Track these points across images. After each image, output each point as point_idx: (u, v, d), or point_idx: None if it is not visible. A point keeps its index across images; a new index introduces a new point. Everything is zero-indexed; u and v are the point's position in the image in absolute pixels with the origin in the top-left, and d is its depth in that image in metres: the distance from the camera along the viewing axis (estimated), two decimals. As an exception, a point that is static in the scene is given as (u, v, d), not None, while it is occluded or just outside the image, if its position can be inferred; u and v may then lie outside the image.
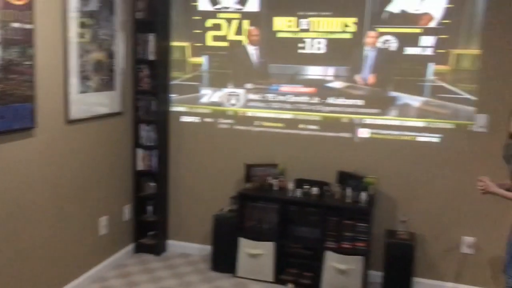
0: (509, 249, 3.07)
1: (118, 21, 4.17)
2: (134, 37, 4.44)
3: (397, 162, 4.16)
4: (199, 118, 4.62)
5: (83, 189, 3.90)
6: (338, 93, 4.16)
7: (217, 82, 4.49)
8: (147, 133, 4.58)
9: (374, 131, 4.15)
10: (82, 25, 3.69)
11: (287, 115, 4.34)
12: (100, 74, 3.98)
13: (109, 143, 4.23)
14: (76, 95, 3.69)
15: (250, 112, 4.44)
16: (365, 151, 4.21)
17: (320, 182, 4.13)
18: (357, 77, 4.10)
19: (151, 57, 4.44)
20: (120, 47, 4.24)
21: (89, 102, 3.86)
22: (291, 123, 4.35)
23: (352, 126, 4.21)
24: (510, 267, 3.02)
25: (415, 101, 3.99)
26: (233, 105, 4.48)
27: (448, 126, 3.97)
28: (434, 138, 4.03)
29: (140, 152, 4.61)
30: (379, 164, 4.17)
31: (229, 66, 4.41)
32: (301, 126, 4.34)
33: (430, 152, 4.07)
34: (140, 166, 4.62)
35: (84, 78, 3.77)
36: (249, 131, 4.48)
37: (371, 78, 4.06)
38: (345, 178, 4.13)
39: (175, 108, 4.67)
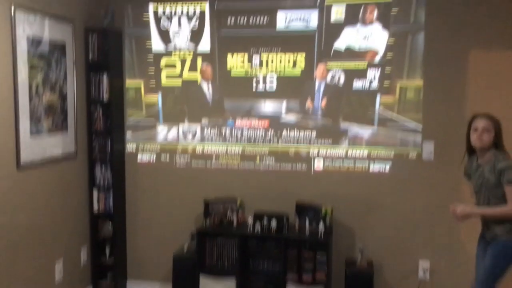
0: (479, 262, 3.13)
1: (70, 62, 4.16)
2: (87, 77, 4.43)
3: (351, 191, 4.27)
4: (155, 156, 4.60)
5: (38, 234, 3.80)
6: (291, 126, 4.28)
7: (172, 119, 4.52)
8: (102, 173, 4.53)
9: (328, 161, 4.27)
10: (33, 67, 3.66)
11: (243, 149, 4.39)
12: (52, 116, 3.94)
13: (64, 185, 4.15)
14: (28, 139, 3.63)
15: (207, 148, 4.47)
16: (321, 181, 4.30)
17: (278, 215, 4.17)
18: (308, 110, 4.23)
19: (105, 97, 4.43)
20: (73, 88, 4.22)
21: (41, 145, 3.80)
22: (248, 157, 4.41)
23: (306, 158, 4.32)
24: (487, 278, 3.03)
25: (365, 131, 4.15)
26: (189, 141, 4.50)
27: (398, 154, 4.12)
28: (385, 167, 4.16)
29: (95, 193, 4.54)
30: (335, 193, 4.27)
31: (184, 103, 4.47)
32: (258, 159, 4.40)
33: (381, 180, 4.20)
34: (96, 207, 4.54)
35: (36, 120, 3.72)
36: (206, 167, 4.51)
37: (321, 111, 4.21)
38: (302, 209, 4.19)
39: (131, 147, 4.65)
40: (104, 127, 4.48)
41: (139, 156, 4.65)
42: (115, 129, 4.52)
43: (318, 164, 4.28)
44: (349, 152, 4.21)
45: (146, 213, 4.70)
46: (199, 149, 4.50)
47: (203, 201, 4.36)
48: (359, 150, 4.19)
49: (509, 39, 3.92)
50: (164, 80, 4.48)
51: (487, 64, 3.97)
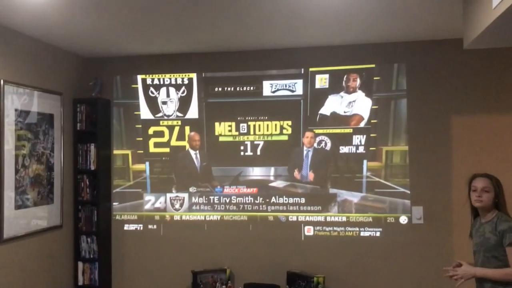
0: None
1: (58, 133, 4.17)
2: (75, 147, 4.42)
3: (343, 257, 4.21)
4: (142, 225, 4.52)
5: (18, 311, 3.63)
6: (280, 192, 4.26)
7: (160, 188, 4.48)
8: (88, 245, 4.42)
9: (319, 228, 4.23)
10: (20, 138, 3.65)
11: (232, 216, 4.34)
12: (38, 188, 3.89)
13: (48, 258, 4.03)
14: (12, 212, 3.56)
15: (194, 216, 4.42)
16: (312, 248, 4.24)
17: (269, 286, 4.07)
18: (297, 176, 4.24)
19: (92, 166, 4.41)
20: (60, 158, 4.20)
21: (26, 217, 3.72)
22: (237, 225, 4.35)
23: (296, 225, 4.27)
24: None
25: (354, 197, 4.15)
26: (177, 210, 4.45)
27: (388, 220, 4.11)
28: (376, 232, 4.14)
29: (81, 265, 4.41)
30: (326, 261, 4.20)
31: (172, 171, 4.45)
32: (247, 227, 4.34)
33: (373, 246, 4.16)
34: (81, 280, 4.40)
35: (21, 193, 3.66)
36: (194, 236, 4.43)
37: (310, 177, 4.22)
38: (294, 278, 4.10)
39: (118, 217, 4.57)
40: (90, 197, 4.42)
41: (126, 226, 4.56)
42: (102, 199, 4.46)
43: (309, 231, 4.22)
44: (339, 219, 4.18)
45: (133, 285, 4.54)
46: (186, 217, 4.44)
47: (191, 272, 4.25)
48: (349, 217, 4.16)
49: (488, 103, 4.05)
50: (152, 149, 4.48)
51: (470, 128, 4.07)
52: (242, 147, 4.30)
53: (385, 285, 4.15)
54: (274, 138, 4.26)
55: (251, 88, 4.26)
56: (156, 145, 4.47)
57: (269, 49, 4.28)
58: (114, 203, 4.57)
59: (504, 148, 4.02)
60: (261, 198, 4.31)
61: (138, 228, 4.53)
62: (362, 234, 4.18)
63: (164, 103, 4.43)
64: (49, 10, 3.24)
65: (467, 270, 3.01)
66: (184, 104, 4.38)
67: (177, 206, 4.46)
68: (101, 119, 4.48)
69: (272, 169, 4.27)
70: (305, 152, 4.20)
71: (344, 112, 4.12)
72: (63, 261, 4.27)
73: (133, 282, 4.55)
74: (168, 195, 4.48)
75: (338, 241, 4.22)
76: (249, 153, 4.28)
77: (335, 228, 4.23)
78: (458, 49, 3.37)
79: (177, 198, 4.46)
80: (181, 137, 4.41)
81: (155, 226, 4.51)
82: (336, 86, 4.13)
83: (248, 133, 4.30)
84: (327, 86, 4.14)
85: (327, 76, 4.14)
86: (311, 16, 3.38)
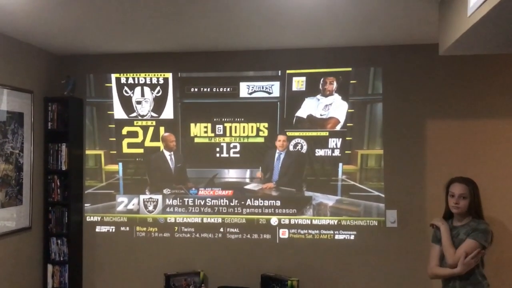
0: None
1: (28, 132, 4.06)
2: (45, 146, 4.31)
3: (317, 261, 4.21)
4: (114, 227, 4.43)
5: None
6: (255, 194, 4.23)
7: (133, 189, 4.40)
8: (58, 247, 4.32)
9: (294, 231, 4.22)
10: (-13, 138, 3.54)
11: (207, 219, 4.30)
12: (6, 189, 3.78)
13: (16, 260, 3.92)
14: (-22, 213, 3.44)
15: (169, 218, 4.36)
16: (287, 251, 4.23)
17: (243, 289, 4.05)
18: (272, 179, 4.22)
19: (63, 167, 4.30)
20: (30, 158, 4.09)
21: (-8, 219, 3.61)
22: (212, 227, 4.31)
23: (271, 227, 4.25)
24: None
25: (329, 200, 4.15)
26: (150, 211, 4.38)
27: (362, 223, 4.12)
28: (350, 235, 4.15)
29: (50, 268, 4.30)
30: (300, 264, 4.20)
31: (146, 173, 4.38)
32: (221, 229, 4.30)
33: (347, 249, 4.17)
34: (51, 283, 4.30)
35: (-13, 194, 3.55)
36: (168, 238, 4.37)
37: (285, 179, 4.20)
38: (268, 282, 4.08)
39: (89, 219, 4.47)
40: (61, 198, 4.32)
41: (97, 228, 4.46)
42: (73, 200, 4.36)
43: (284, 234, 4.21)
44: (314, 222, 4.18)
45: (104, 289, 4.46)
46: (160, 219, 4.37)
47: (164, 275, 4.19)
48: (324, 220, 4.15)
49: (462, 109, 4.10)
50: (125, 149, 4.39)
51: (445, 133, 4.11)
52: (217, 149, 4.25)
53: (359, 288, 4.17)
54: (250, 140, 4.22)
55: (228, 89, 4.22)
56: (130, 145, 4.38)
57: (247, 50, 4.26)
58: (86, 204, 4.47)
59: (478, 152, 4.08)
60: (236, 201, 4.27)
61: (110, 230, 4.45)
62: (336, 237, 4.19)
63: (139, 102, 4.34)
64: (18, 5, 3.13)
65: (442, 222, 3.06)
66: (159, 104, 4.30)
67: (150, 208, 4.40)
68: (73, 118, 4.38)
69: (248, 171, 4.24)
70: (277, 155, 4.18)
71: (321, 115, 4.13)
72: (32, 263, 4.16)
73: (104, 285, 4.47)
74: (142, 196, 4.40)
75: (313, 244, 4.22)
76: (224, 154, 4.23)
77: (309, 231, 4.21)
78: (433, 54, 3.39)
79: (150, 199, 4.39)
80: (155, 137, 4.33)
81: (127, 228, 4.43)
82: (313, 89, 4.13)
83: (224, 135, 4.25)
84: (304, 89, 4.14)
85: (304, 78, 4.13)
86: (289, 18, 3.36)
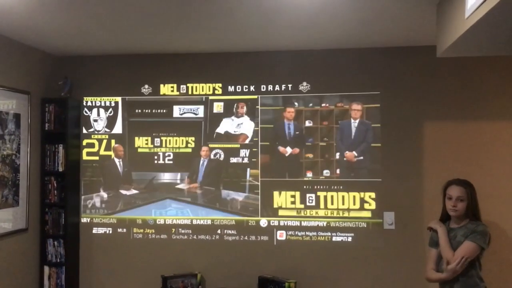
0: None
1: (25, 133, 4.05)
2: (42, 147, 4.33)
3: (315, 263, 4.36)
4: (111, 229, 4.75)
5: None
6: (183, 192, 5.17)
7: (90, 189, 5.13)
8: (55, 248, 4.33)
9: (291, 233, 4.56)
10: (-16, 139, 3.55)
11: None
12: (3, 190, 3.78)
13: (12, 262, 3.94)
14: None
15: (158, 220, 4.90)
16: (284, 253, 4.40)
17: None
18: (198, 180, 5.15)
19: (60, 168, 4.32)
20: (26, 159, 4.09)
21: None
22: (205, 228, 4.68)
23: (269, 229, 4.59)
24: None
25: (239, 196, 5.07)
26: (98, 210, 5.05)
27: (359, 225, 4.43)
28: (348, 237, 4.24)
29: (47, 270, 4.30)
30: (298, 266, 4.52)
31: (100, 175, 5.21)
32: (219, 231, 4.69)
33: (344, 250, 4.25)
34: (47, 285, 4.31)
35: (-16, 196, 3.56)
36: (165, 240, 4.70)
37: (207, 180, 5.16)
38: (265, 284, 4.10)
39: (86, 219, 4.80)
40: (58, 199, 4.33)
41: (94, 229, 4.75)
42: (70, 201, 4.36)
43: (281, 235, 4.45)
44: (311, 223, 4.50)
45: (101, 291, 4.48)
46: (160, 221, 4.77)
47: (160, 276, 4.20)
48: (322, 221, 4.44)
49: (459, 110, 4.12)
50: (85, 157, 5.20)
51: (441, 134, 4.13)
52: (156, 157, 5.21)
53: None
54: (181, 150, 5.19)
55: (164, 110, 5.23)
56: (88, 154, 5.24)
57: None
58: (83, 205, 4.85)
59: (475, 154, 4.11)
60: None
61: (107, 232, 4.53)
62: (334, 239, 4.24)
63: (95, 120, 5.28)
64: (15, 6, 3.14)
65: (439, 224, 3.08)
66: (111, 122, 5.25)
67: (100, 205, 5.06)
68: (70, 119, 4.39)
69: (179, 174, 5.21)
70: (201, 162, 5.17)
71: (234, 131, 5.13)
72: (28, 265, 4.18)
73: (101, 286, 4.47)
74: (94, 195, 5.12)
75: (310, 246, 4.24)
76: (161, 161, 5.20)
77: (307, 233, 4.43)
78: (432, 56, 3.39)
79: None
80: (108, 148, 5.25)
81: (124, 230, 4.71)
82: (228, 111, 5.15)
83: (160, 146, 5.20)
84: (222, 111, 5.16)
85: (222, 103, 5.16)
86: (287, 18, 3.35)
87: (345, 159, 4.60)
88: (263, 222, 4.63)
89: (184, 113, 5.16)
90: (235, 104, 5.08)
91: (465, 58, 3.72)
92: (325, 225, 4.39)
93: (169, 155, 5.15)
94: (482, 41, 2.64)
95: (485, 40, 2.61)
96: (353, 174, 4.59)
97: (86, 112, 5.13)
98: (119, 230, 4.57)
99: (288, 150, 4.80)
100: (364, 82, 4.38)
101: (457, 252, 2.93)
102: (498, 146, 4.09)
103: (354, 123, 4.61)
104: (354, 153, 4.58)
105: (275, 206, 4.73)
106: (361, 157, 4.55)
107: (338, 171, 4.58)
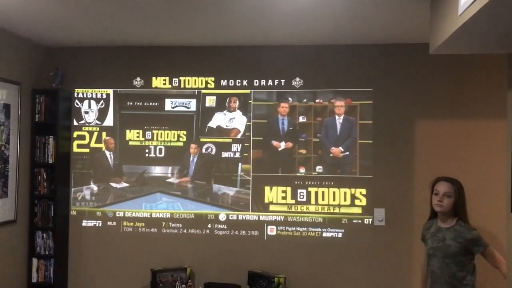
0: None
1: (14, 124, 4.02)
2: (33, 139, 4.29)
3: (305, 258, 4.34)
4: (101, 221, 4.77)
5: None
6: (174, 186, 5.14)
7: (81, 181, 5.11)
8: (44, 241, 4.31)
9: (282, 228, 4.56)
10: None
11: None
12: (-10, 181, 3.75)
13: (0, 254, 3.88)
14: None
15: (155, 214, 4.94)
16: (274, 248, 4.38)
17: (230, 286, 4.05)
18: (189, 174, 5.12)
19: (50, 160, 4.29)
20: (16, 150, 4.05)
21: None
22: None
23: (260, 224, 4.62)
24: None
25: (230, 191, 5.05)
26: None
27: (350, 221, 4.37)
28: (338, 233, 4.24)
29: (35, 262, 4.28)
30: (288, 261, 4.51)
31: (91, 168, 5.19)
32: (209, 225, 4.70)
33: (334, 246, 4.25)
34: (35, 277, 4.28)
35: (-28, 186, 3.53)
36: (155, 233, 4.60)
37: (198, 175, 5.12)
38: (255, 278, 4.09)
39: (75, 211, 4.82)
40: (48, 191, 4.30)
41: (84, 222, 4.76)
42: (60, 193, 4.34)
43: (271, 230, 4.48)
44: (302, 218, 4.51)
45: (89, 283, 4.45)
46: (146, 215, 4.81)
47: (150, 270, 4.19)
48: (311, 217, 4.44)
49: (451, 108, 4.15)
50: (75, 149, 5.16)
51: (433, 132, 4.15)
52: (147, 150, 5.18)
53: (345, 286, 4.18)
54: (172, 144, 5.16)
55: (156, 103, 5.19)
56: (79, 146, 5.20)
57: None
58: (72, 197, 4.84)
59: (466, 152, 4.12)
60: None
61: (97, 225, 4.52)
62: (324, 235, 4.24)
63: (86, 112, 5.23)
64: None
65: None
66: (102, 114, 5.23)
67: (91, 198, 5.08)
68: (61, 111, 4.36)
69: (170, 168, 5.17)
70: (191, 158, 5.16)
71: (226, 126, 5.10)
72: (16, 257, 4.17)
73: (90, 280, 4.46)
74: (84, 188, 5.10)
75: (300, 241, 4.25)
76: (152, 155, 5.17)
77: (297, 228, 4.49)
78: (424, 53, 3.40)
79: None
80: (99, 140, 5.21)
81: (114, 223, 4.73)
82: (221, 105, 5.12)
83: (152, 139, 5.17)
84: (214, 105, 5.13)
85: (214, 97, 5.13)
86: (279, 13, 3.34)
87: (331, 155, 4.67)
88: (254, 217, 4.64)
89: (176, 106, 5.13)
90: (228, 98, 5.06)
91: (457, 57, 3.73)
92: (315, 220, 4.43)
93: (160, 149, 5.11)
94: (474, 38, 2.64)
95: (477, 37, 2.60)
96: (340, 170, 4.62)
97: (77, 104, 5.10)
98: (109, 223, 4.57)
99: (282, 144, 4.83)
100: (357, 78, 4.40)
101: (500, 257, 2.92)
102: (490, 145, 4.11)
103: (339, 120, 4.66)
104: (341, 148, 4.66)
105: (266, 201, 4.77)
106: (347, 152, 4.59)
107: (318, 168, 4.61)
